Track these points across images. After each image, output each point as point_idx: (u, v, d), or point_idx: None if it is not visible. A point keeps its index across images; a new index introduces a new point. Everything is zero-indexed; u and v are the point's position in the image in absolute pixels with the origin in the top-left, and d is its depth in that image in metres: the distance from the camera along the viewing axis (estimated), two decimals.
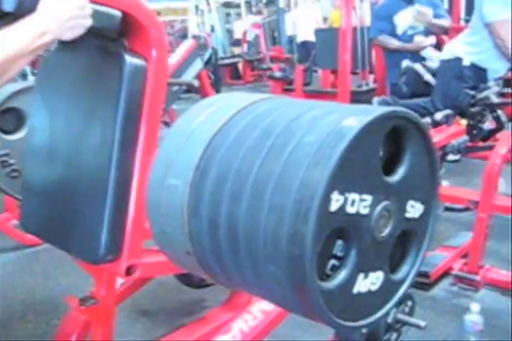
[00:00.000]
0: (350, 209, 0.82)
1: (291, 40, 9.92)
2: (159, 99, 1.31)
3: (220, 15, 13.48)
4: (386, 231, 0.91)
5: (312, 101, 0.96)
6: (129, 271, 1.35)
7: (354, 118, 0.80)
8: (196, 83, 2.97)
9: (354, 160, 0.80)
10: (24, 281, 2.76)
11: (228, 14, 15.14)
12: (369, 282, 0.90)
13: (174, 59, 3.27)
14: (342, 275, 0.86)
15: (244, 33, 10.94)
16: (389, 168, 0.91)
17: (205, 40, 10.92)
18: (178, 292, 2.38)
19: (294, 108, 0.90)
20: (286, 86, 5.36)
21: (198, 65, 3.43)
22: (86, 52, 1.25)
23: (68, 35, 1.10)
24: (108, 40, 1.23)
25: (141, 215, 1.29)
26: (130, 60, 1.25)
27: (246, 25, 11.52)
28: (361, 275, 0.89)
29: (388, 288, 0.95)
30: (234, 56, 10.82)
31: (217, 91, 8.38)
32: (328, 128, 0.80)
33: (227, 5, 16.15)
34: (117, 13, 1.22)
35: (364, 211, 0.85)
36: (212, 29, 13.45)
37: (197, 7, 14.24)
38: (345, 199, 0.81)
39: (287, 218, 0.76)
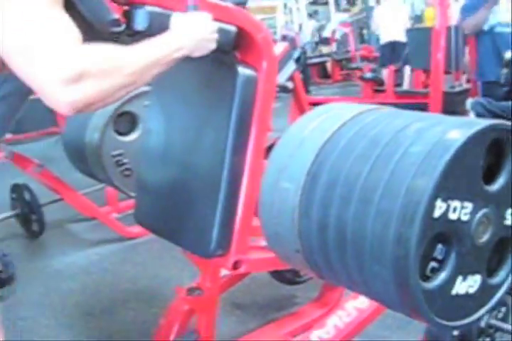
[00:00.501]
0: (452, 216, 0.88)
1: (377, 38, 9.78)
2: (268, 107, 1.40)
3: (308, 13, 13.49)
4: (485, 237, 0.95)
5: (417, 112, 1.02)
6: (235, 266, 1.44)
7: (458, 131, 0.86)
8: (290, 85, 3.06)
9: (457, 170, 0.86)
10: (126, 271, 2.96)
11: (316, 12, 15.10)
12: (467, 285, 0.95)
13: None
14: (442, 277, 0.92)
15: (333, 32, 10.91)
16: (489, 177, 0.95)
17: (294, 40, 11.03)
18: (271, 287, 2.47)
19: (400, 119, 0.96)
20: (377, 87, 5.34)
21: (291, 67, 3.51)
22: (200, 63, 1.35)
23: (196, 54, 1.22)
24: (222, 52, 1.34)
25: (249, 214, 1.38)
26: (242, 70, 1.35)
27: (333, 23, 11.50)
28: (460, 278, 0.94)
29: (485, 291, 1.00)
30: (322, 55, 10.82)
31: (306, 90, 8.45)
32: (433, 139, 0.86)
33: (315, 3, 16.15)
34: (233, 29, 1.32)
35: (465, 218, 0.90)
36: (301, 27, 13.50)
37: (285, 5, 14.31)
38: (448, 206, 0.86)
39: (394, 222, 0.83)
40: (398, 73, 5.74)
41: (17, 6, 0.95)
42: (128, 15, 1.21)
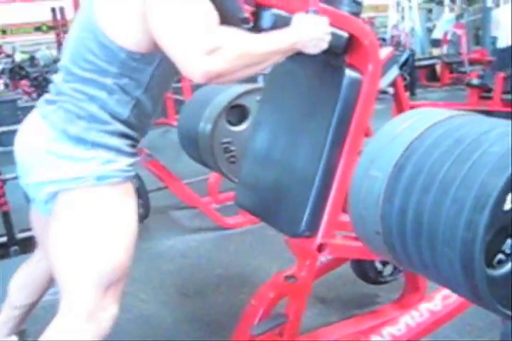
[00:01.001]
0: None
1: (493, 41, 9.42)
2: (369, 107, 1.52)
3: (421, 12, 13.12)
4: None
5: (504, 120, 1.11)
6: (320, 248, 1.58)
7: None
8: (391, 91, 3.11)
9: None
10: (220, 258, 3.16)
11: (430, 11, 14.68)
12: None
13: None
14: (507, 268, 1.01)
15: (445, 33, 10.61)
16: None
17: (404, 40, 10.84)
18: (355, 285, 2.57)
19: (485, 124, 1.07)
20: (485, 93, 5.22)
21: (393, 73, 3.54)
22: (310, 63, 1.50)
23: (309, 50, 1.38)
24: (332, 55, 1.47)
25: (339, 202, 1.51)
26: (349, 72, 1.49)
27: (443, 23, 11.16)
28: None
29: None
30: (432, 58, 10.57)
31: (412, 93, 8.34)
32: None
33: (429, 1, 15.70)
34: (345, 34, 1.47)
35: None
36: (413, 27, 13.19)
37: (398, 3, 14.00)
38: None
39: (466, 209, 0.95)
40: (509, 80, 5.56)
41: None
42: (256, 15, 1.40)
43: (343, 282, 2.64)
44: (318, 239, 1.57)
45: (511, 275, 1.01)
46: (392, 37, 11.35)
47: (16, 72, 10.69)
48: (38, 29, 21.17)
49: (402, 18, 13.15)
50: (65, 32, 9.17)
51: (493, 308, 1.01)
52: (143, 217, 3.79)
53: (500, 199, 0.94)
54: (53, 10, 9.93)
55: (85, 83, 1.32)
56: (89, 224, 1.32)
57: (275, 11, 1.41)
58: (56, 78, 1.42)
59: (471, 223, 0.95)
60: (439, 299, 1.72)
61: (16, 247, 3.21)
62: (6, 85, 10.59)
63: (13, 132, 1.52)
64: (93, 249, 1.32)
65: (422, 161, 1.08)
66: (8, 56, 14.21)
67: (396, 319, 1.63)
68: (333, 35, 1.43)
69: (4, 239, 3.24)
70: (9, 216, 3.17)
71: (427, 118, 1.18)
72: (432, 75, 10.18)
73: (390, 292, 2.46)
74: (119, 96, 1.33)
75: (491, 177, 0.94)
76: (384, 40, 12.19)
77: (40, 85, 10.40)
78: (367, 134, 3.55)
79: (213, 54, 1.15)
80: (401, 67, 4.07)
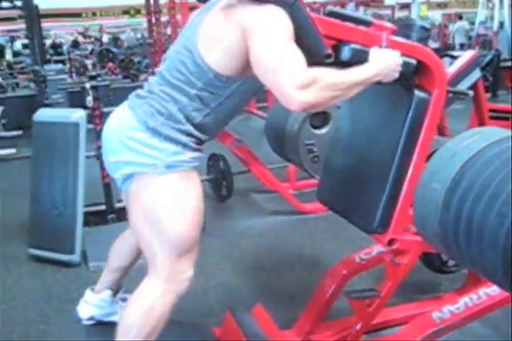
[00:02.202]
0: None
1: None
2: (434, 124, 1.74)
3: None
4: None
5: None
6: (390, 243, 1.80)
7: None
8: (471, 93, 3.26)
9: None
10: (295, 239, 3.43)
11: None
12: None
13: (453, 68, 3.57)
14: None
15: None
16: None
17: (490, 40, 10.65)
18: (419, 273, 2.73)
19: None
20: None
21: (475, 76, 3.65)
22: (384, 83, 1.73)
23: (386, 80, 1.61)
24: (402, 76, 1.69)
25: (407, 203, 1.74)
26: (418, 93, 1.71)
27: None
28: None
29: None
30: None
31: (494, 94, 8.25)
32: None
33: None
34: (413, 62, 1.69)
35: None
36: (501, 26, 12.88)
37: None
38: None
39: (507, 222, 1.16)
40: None
41: (268, 41, 1.45)
42: (336, 49, 1.61)
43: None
44: (389, 234, 1.81)
45: None
46: (478, 35, 11.17)
47: (103, 55, 11.32)
48: (125, 12, 21.99)
49: (491, 15, 12.84)
50: (157, 17, 9.63)
51: None
52: (226, 197, 4.13)
53: None
54: None
55: (173, 88, 1.61)
56: (159, 204, 1.60)
57: (353, 45, 1.62)
58: (151, 79, 1.72)
59: (510, 234, 1.18)
60: None
61: (113, 215, 3.59)
62: (94, 65, 11.21)
63: (107, 114, 1.83)
64: (164, 224, 1.61)
65: (475, 177, 1.29)
66: (96, 39, 14.87)
67: (456, 299, 1.83)
68: (403, 62, 1.65)
69: (103, 207, 3.63)
70: (110, 187, 3.53)
71: (483, 138, 1.39)
72: None
73: (453, 282, 2.64)
74: (197, 104, 1.60)
75: None
76: (469, 38, 12.02)
77: (127, 67, 11.00)
78: (444, 133, 3.71)
79: (307, 88, 1.40)
80: (484, 68, 4.14)
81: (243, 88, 1.63)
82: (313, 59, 1.50)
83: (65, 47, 15.32)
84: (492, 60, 8.14)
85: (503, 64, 8.93)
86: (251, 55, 1.48)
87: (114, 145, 1.66)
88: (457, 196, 1.31)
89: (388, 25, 1.68)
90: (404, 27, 1.84)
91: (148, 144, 1.59)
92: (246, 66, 1.54)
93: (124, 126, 1.64)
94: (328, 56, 1.54)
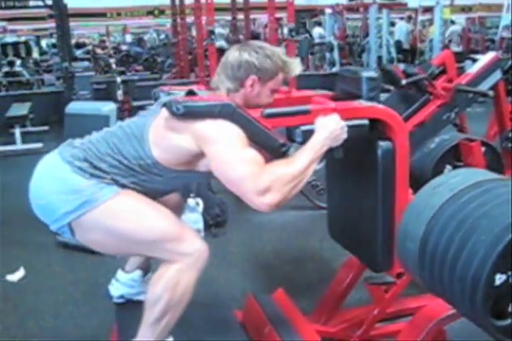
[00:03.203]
0: None
1: None
2: (405, 169, 1.89)
3: None
4: None
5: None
6: (398, 276, 1.98)
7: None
8: (491, 93, 3.32)
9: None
10: (315, 233, 3.47)
11: None
12: None
13: (474, 69, 3.62)
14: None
15: None
16: None
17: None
18: None
19: (488, 202, 1.32)
20: None
21: (496, 76, 3.69)
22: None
23: (333, 145, 1.70)
24: (363, 134, 1.81)
25: None
26: (381, 143, 1.85)
27: None
28: None
29: None
30: None
31: None
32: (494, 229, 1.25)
33: None
34: (365, 123, 1.80)
35: None
36: None
37: None
38: (508, 277, 1.26)
39: (468, 287, 1.27)
40: None
41: (225, 153, 1.57)
42: (289, 134, 1.79)
43: None
44: (395, 269, 1.97)
45: None
46: (502, 39, 11.13)
47: (123, 61, 11.62)
48: (150, 13, 22.21)
49: None
50: (182, 17, 9.76)
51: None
52: None
53: (490, 280, 1.24)
54: None
55: (111, 151, 1.68)
56: (117, 223, 1.66)
57: (302, 127, 1.74)
58: (90, 137, 1.78)
59: (472, 298, 1.27)
60: None
61: None
62: (117, 64, 11.40)
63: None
64: (137, 234, 1.68)
65: (438, 239, 1.37)
66: (114, 48, 14.89)
67: None
68: (357, 126, 1.77)
69: None
70: None
71: (459, 182, 1.44)
72: None
73: None
74: (126, 172, 1.68)
75: (481, 260, 1.24)
76: (493, 41, 11.96)
77: (151, 66, 11.19)
78: (465, 131, 3.74)
79: (269, 191, 1.52)
80: (507, 71, 4.15)
81: (178, 178, 1.76)
82: (270, 152, 1.64)
83: (89, 47, 15.55)
84: None
85: None
86: (211, 167, 1.62)
87: (41, 188, 1.72)
88: (427, 257, 1.40)
89: (327, 106, 1.78)
90: (352, 81, 1.97)
91: (76, 182, 1.65)
92: (189, 163, 1.69)
93: (49, 169, 1.73)
94: (282, 145, 1.66)
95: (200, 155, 1.65)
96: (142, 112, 1.85)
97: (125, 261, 2.18)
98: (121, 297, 2.10)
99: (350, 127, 1.74)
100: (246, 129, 1.61)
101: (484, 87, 3.54)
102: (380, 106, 1.88)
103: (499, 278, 1.26)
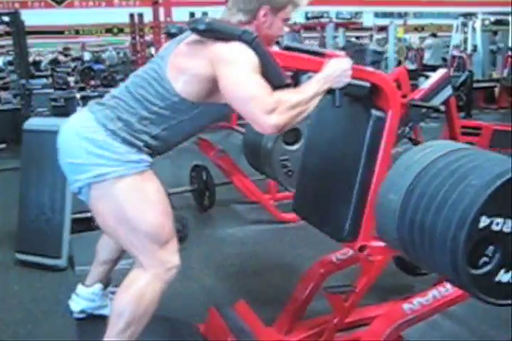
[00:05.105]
0: (495, 228, 1.35)
1: None
2: (391, 139, 1.94)
3: (484, 34, 13.08)
4: None
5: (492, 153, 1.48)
6: (361, 249, 1.98)
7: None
8: (442, 108, 3.44)
9: (501, 196, 1.33)
10: (275, 247, 3.57)
11: (495, 33, 14.58)
12: (510, 276, 1.41)
13: (426, 85, 3.75)
14: (488, 268, 1.39)
15: (506, 57, 10.71)
16: None
17: (464, 62, 10.99)
18: (394, 277, 2.89)
19: (478, 158, 1.43)
20: None
21: (447, 92, 3.82)
22: (346, 104, 1.91)
23: (335, 86, 1.77)
24: (360, 99, 1.91)
25: (373, 212, 1.89)
26: (374, 112, 1.92)
27: None
28: (503, 270, 1.39)
29: None
30: (491, 80, 10.68)
31: (468, 113, 8.52)
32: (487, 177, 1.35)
33: (497, 23, 15.63)
34: (367, 85, 1.88)
35: (507, 230, 1.37)
36: (475, 49, 13.22)
37: (464, 24, 13.94)
38: (491, 222, 1.34)
39: (452, 227, 1.35)
40: None
41: (237, 73, 1.64)
42: (295, 78, 1.86)
43: (384, 273, 2.96)
44: (359, 242, 1.98)
45: (490, 273, 1.38)
46: (453, 57, 11.51)
47: (85, 73, 11.56)
48: (108, 31, 22.13)
49: (466, 39, 13.21)
50: (141, 35, 9.80)
51: (475, 295, 1.40)
52: (208, 207, 4.24)
53: (475, 221, 1.33)
54: (131, 15, 10.61)
55: (136, 101, 1.74)
56: (125, 204, 1.72)
57: (310, 74, 1.82)
58: (114, 91, 1.85)
59: (455, 237, 1.34)
60: None
61: None
62: (76, 82, 11.31)
63: None
64: (135, 220, 1.73)
65: (426, 187, 1.46)
66: (77, 58, 14.95)
67: (426, 292, 1.96)
68: (358, 86, 1.85)
69: (90, 214, 3.69)
70: None
71: (434, 152, 1.55)
72: (491, 98, 10.26)
73: (425, 284, 2.77)
74: (156, 118, 1.74)
75: (469, 204, 1.32)
76: (445, 60, 12.36)
77: (109, 83, 11.15)
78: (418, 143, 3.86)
79: (275, 112, 1.59)
80: (458, 88, 4.32)
81: (203, 114, 1.80)
82: (275, 88, 1.69)
83: (43, 64, 15.38)
84: (466, 81, 8.44)
85: (476, 85, 9.24)
86: (221, 86, 1.66)
87: (72, 146, 1.76)
88: (412, 203, 1.48)
89: (340, 53, 1.88)
90: (358, 52, 2.05)
91: (106, 146, 1.70)
92: (210, 93, 1.73)
93: (83, 128, 1.75)
94: (288, 85, 1.73)
95: (217, 80, 1.69)
96: (154, 58, 1.90)
97: (85, 277, 2.18)
98: (82, 312, 2.10)
99: (352, 85, 1.81)
100: (260, 59, 1.67)
101: (436, 102, 3.67)
102: (383, 73, 1.94)
103: (483, 221, 1.34)
